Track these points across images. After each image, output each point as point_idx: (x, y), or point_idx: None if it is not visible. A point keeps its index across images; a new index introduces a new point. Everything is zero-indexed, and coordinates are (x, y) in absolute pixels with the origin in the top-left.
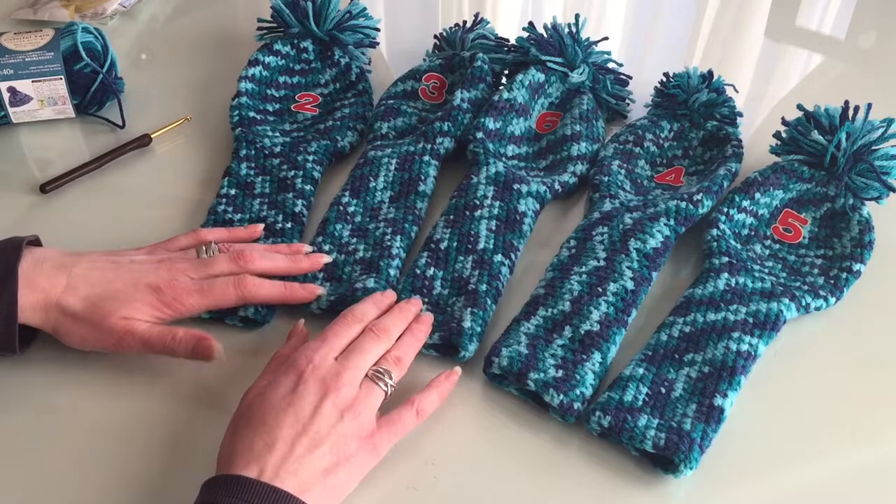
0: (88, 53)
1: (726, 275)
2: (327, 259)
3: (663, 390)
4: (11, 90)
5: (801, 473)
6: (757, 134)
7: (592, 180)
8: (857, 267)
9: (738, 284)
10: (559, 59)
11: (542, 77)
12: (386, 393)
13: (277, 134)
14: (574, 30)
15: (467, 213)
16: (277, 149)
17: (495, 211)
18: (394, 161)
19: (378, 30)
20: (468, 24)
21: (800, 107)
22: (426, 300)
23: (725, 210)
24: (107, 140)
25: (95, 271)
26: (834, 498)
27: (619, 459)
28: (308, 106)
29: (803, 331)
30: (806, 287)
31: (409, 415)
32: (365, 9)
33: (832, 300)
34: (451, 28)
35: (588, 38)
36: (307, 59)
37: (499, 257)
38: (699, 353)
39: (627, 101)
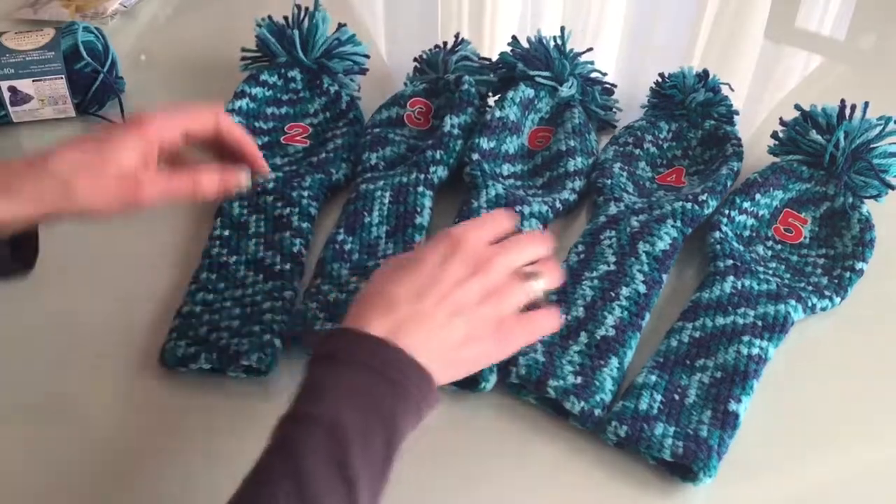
0: (89, 53)
1: (732, 278)
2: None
3: (677, 397)
4: (12, 89)
5: (813, 472)
6: (757, 134)
7: (595, 183)
8: (859, 266)
9: (745, 287)
10: (547, 74)
11: (531, 93)
12: (529, 295)
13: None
14: (560, 42)
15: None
16: (270, 185)
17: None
18: (387, 193)
19: (367, 56)
20: (449, 46)
21: (797, 107)
22: None
23: (727, 212)
24: None
25: (60, 155)
26: (846, 498)
27: (635, 467)
28: (298, 138)
29: (808, 331)
30: (811, 288)
31: (547, 320)
32: (353, 35)
33: (837, 300)
34: (431, 50)
35: (573, 50)
36: (295, 89)
37: None
38: (710, 359)
39: (614, 109)
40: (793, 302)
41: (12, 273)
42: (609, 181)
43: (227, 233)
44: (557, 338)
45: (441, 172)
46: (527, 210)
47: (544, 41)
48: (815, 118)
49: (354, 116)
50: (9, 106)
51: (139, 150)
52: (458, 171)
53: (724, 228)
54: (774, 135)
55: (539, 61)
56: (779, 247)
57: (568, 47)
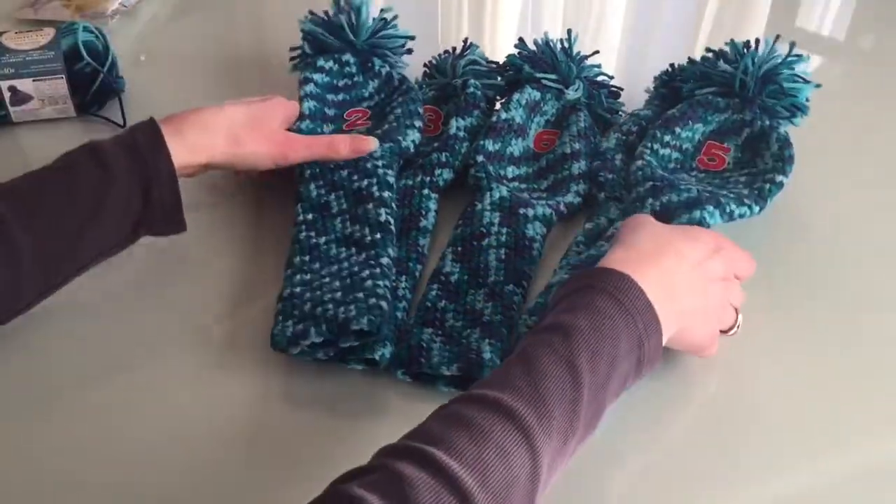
0: (89, 53)
1: (651, 199)
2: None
3: None
4: (12, 89)
5: (809, 473)
6: None
7: (597, 177)
8: (779, 178)
9: (664, 203)
10: (553, 76)
11: (537, 95)
12: (731, 328)
13: None
14: (567, 45)
15: (474, 242)
16: (343, 162)
17: (503, 238)
18: (395, 196)
19: (413, 37)
20: (458, 51)
21: (707, 49)
22: (439, 332)
23: (649, 146)
24: None
25: (227, 109)
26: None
27: (633, 466)
28: (359, 122)
29: (800, 332)
30: (732, 195)
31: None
32: (396, 17)
33: (756, 208)
34: (440, 55)
35: (580, 53)
36: (350, 73)
37: (510, 287)
38: None
39: (620, 112)
40: (710, 207)
41: (171, 230)
42: (611, 176)
43: (310, 216)
44: None
45: (447, 175)
46: (530, 213)
47: (551, 44)
48: (723, 53)
49: (407, 87)
50: (9, 106)
51: (286, 116)
52: (464, 174)
53: (647, 158)
54: (687, 73)
55: (546, 64)
56: (703, 175)
57: (575, 50)
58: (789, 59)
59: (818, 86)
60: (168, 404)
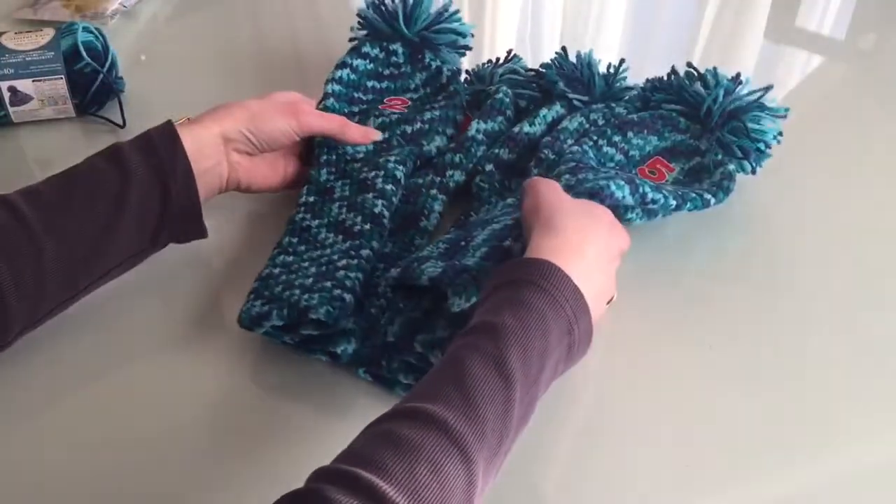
0: (89, 53)
1: (567, 176)
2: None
3: (463, 243)
4: (12, 89)
5: (800, 475)
6: None
7: (539, 151)
8: (707, 197)
9: (579, 180)
10: (586, 98)
11: (565, 114)
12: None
13: None
14: (612, 72)
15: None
16: (360, 155)
17: None
18: (399, 191)
19: (472, 35)
20: (500, 60)
21: (689, 64)
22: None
23: (595, 139)
24: (107, 140)
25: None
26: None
27: (626, 469)
28: (397, 105)
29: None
30: (649, 183)
31: None
32: (458, 11)
33: (672, 201)
34: (482, 63)
35: (622, 80)
36: (397, 63)
37: None
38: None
39: None
40: (620, 181)
41: (193, 231)
42: (553, 157)
43: (312, 199)
44: None
45: (458, 177)
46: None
47: (593, 65)
48: (703, 76)
49: (455, 89)
50: (9, 106)
51: (288, 98)
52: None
53: (585, 147)
54: (664, 82)
55: (581, 84)
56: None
57: (618, 77)
58: (761, 101)
59: (780, 134)
60: (148, 391)
